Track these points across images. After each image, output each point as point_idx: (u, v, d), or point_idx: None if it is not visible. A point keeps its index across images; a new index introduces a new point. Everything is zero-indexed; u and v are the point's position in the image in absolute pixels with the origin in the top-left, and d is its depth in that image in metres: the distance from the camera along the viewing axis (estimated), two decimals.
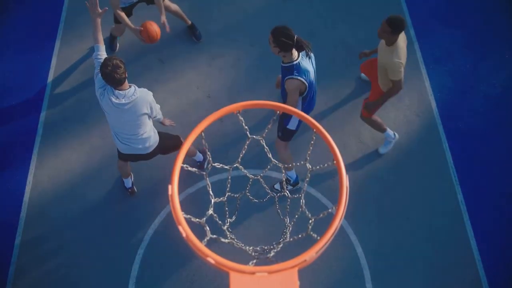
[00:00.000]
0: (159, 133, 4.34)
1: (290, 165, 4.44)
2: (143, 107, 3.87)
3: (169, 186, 2.24)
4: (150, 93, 3.96)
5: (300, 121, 4.27)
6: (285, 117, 4.29)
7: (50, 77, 5.70)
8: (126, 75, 3.71)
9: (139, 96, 3.82)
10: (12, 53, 5.87)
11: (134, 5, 5.22)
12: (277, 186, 4.96)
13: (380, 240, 4.81)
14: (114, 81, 3.63)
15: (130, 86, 3.83)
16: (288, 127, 4.38)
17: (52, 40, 5.98)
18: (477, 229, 4.92)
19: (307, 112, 4.16)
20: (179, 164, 2.35)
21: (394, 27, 4.18)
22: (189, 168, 2.66)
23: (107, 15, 4.29)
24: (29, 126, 5.36)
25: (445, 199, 5.08)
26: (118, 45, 5.92)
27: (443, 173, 5.23)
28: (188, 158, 4.94)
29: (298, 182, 4.97)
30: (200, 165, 5.06)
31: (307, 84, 3.96)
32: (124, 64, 3.66)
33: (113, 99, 3.75)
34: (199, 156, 5.01)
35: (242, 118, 2.65)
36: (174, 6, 5.61)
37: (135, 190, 4.92)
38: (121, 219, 4.84)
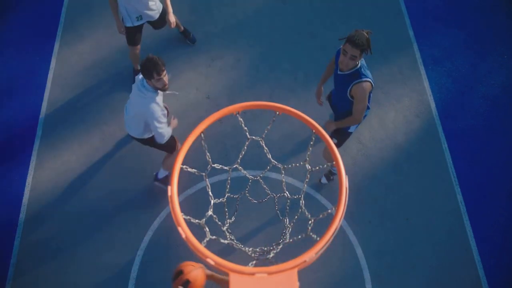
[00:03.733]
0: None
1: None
2: None
3: (169, 188, 2.24)
4: None
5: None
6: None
7: (50, 78, 5.69)
8: None
9: None
10: (11, 54, 5.87)
11: (141, 26, 5.13)
12: (323, 180, 5.00)
13: (379, 241, 4.81)
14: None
15: None
16: (350, 130, 4.37)
17: (51, 41, 5.98)
18: (477, 230, 4.93)
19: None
20: (178, 166, 2.34)
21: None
22: (189, 169, 2.66)
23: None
24: (28, 127, 5.35)
25: (445, 200, 5.08)
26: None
27: (442, 174, 5.23)
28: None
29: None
30: (159, 180, 4.92)
31: (373, 84, 3.91)
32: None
33: None
34: (162, 173, 4.87)
35: (241, 119, 2.65)
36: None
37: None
38: (121, 220, 4.83)
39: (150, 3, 4.93)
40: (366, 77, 3.81)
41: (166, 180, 4.83)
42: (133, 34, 5.12)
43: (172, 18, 5.05)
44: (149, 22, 5.16)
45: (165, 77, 3.77)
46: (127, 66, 5.72)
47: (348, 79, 3.86)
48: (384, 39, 6.14)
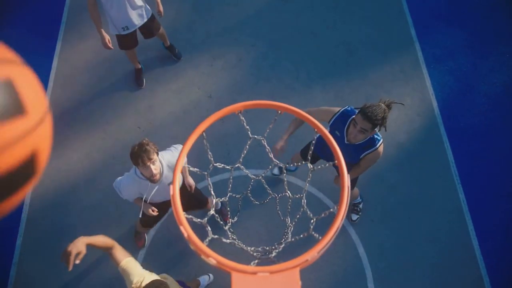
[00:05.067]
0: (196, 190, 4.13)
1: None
2: None
3: (171, 187, 2.23)
4: None
5: None
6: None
7: (52, 77, 5.71)
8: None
9: None
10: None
11: (133, 33, 4.92)
12: (354, 217, 4.88)
13: (381, 240, 4.81)
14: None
15: None
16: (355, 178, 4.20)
17: (53, 40, 5.99)
18: (479, 228, 4.92)
19: None
20: (180, 164, 2.34)
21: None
22: (191, 168, 2.66)
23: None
24: None
25: (447, 199, 5.07)
26: (144, 80, 5.70)
27: (444, 173, 5.22)
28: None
29: (362, 200, 4.93)
30: (220, 212, 4.80)
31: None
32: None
33: None
34: (217, 204, 4.65)
35: (243, 118, 2.65)
36: (161, 29, 5.36)
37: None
38: (122, 219, 4.84)
39: (134, 11, 4.69)
40: (379, 139, 3.50)
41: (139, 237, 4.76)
42: (123, 41, 4.98)
43: (161, 8, 4.98)
44: (139, 29, 4.95)
45: (153, 167, 3.29)
46: (129, 65, 5.72)
47: (358, 149, 3.54)
48: (386, 38, 6.13)
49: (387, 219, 4.93)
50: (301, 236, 2.73)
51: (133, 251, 4.69)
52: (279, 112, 2.70)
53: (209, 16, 6.23)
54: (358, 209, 4.87)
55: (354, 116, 3.42)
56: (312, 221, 2.65)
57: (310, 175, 2.95)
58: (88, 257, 4.64)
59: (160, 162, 3.45)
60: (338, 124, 3.58)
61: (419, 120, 5.54)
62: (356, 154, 3.57)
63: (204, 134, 2.51)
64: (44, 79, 5.68)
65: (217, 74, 5.79)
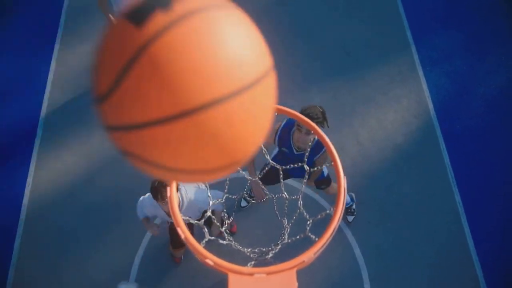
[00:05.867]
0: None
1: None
2: None
3: (168, 189, 2.26)
4: None
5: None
6: (317, 174, 4.03)
7: (50, 80, 5.71)
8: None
9: None
10: (11, 56, 5.89)
11: None
12: (350, 219, 4.88)
13: (378, 241, 4.82)
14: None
15: None
16: (325, 176, 4.21)
17: (51, 42, 6.00)
18: (475, 230, 4.94)
19: None
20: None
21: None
22: None
23: None
24: (28, 128, 5.37)
25: (443, 200, 5.10)
26: None
27: (440, 174, 5.25)
28: None
29: (353, 202, 4.91)
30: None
31: None
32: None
33: None
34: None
35: None
36: None
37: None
38: (121, 220, 4.85)
39: None
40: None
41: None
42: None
43: None
44: None
45: None
46: None
47: (310, 155, 3.34)
48: (383, 40, 6.16)
49: (383, 220, 4.95)
50: (298, 237, 2.76)
51: (128, 256, 4.70)
52: (275, 113, 2.72)
53: None
54: (352, 210, 4.89)
55: (295, 123, 3.44)
56: (308, 222, 2.68)
57: (307, 176, 2.98)
58: (87, 256, 4.66)
59: (181, 196, 3.42)
60: (284, 139, 3.63)
61: (415, 122, 5.57)
62: (309, 159, 3.41)
63: None
64: (42, 81, 5.69)
65: None
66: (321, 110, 3.44)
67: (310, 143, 3.33)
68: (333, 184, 4.40)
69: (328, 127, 3.46)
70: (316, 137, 3.41)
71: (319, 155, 3.60)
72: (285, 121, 3.64)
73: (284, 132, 3.62)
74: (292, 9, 6.38)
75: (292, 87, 5.70)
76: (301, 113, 3.28)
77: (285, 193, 3.38)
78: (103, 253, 4.70)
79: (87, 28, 6.12)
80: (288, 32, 6.16)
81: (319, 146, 3.48)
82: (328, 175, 4.25)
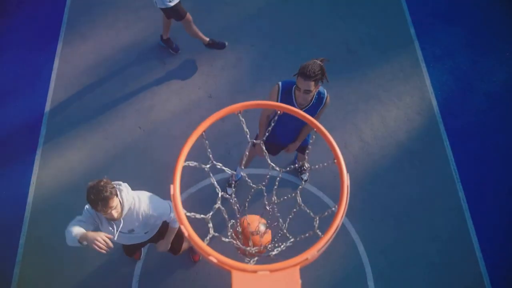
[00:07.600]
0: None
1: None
2: None
3: (171, 186, 2.25)
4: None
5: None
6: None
7: (53, 78, 5.73)
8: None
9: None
10: (14, 55, 5.91)
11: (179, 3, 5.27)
12: (305, 177, 5.04)
13: (381, 238, 4.83)
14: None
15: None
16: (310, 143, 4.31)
17: (54, 41, 6.01)
18: (479, 226, 4.94)
19: None
20: (180, 164, 2.36)
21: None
22: (190, 164, 2.64)
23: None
24: (32, 127, 5.39)
25: (447, 197, 5.09)
26: (177, 46, 5.96)
27: (444, 171, 5.24)
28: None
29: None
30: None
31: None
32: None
33: None
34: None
35: (243, 119, 2.67)
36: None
37: None
38: None
39: None
40: (324, 93, 3.68)
41: None
42: (175, 11, 5.23)
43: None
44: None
45: (114, 211, 3.24)
46: (129, 65, 5.75)
47: (311, 110, 3.71)
48: (386, 37, 6.15)
49: (387, 217, 4.95)
50: (307, 235, 2.76)
51: (130, 260, 4.72)
52: (279, 112, 2.72)
53: (209, 16, 6.25)
54: (305, 168, 4.97)
55: (296, 81, 3.49)
56: (315, 219, 2.67)
57: (308, 173, 2.98)
58: (91, 257, 4.67)
59: (121, 202, 3.36)
60: (286, 99, 3.68)
61: (418, 119, 5.56)
62: (311, 114, 3.64)
63: (204, 134, 2.53)
64: (45, 80, 5.71)
65: (217, 74, 5.81)
66: (320, 64, 3.42)
67: (309, 100, 3.61)
68: (338, 151, 4.50)
69: (328, 81, 3.51)
70: (315, 94, 3.61)
71: (320, 107, 3.74)
72: (284, 81, 3.71)
73: (286, 93, 3.69)
74: (295, 6, 6.37)
75: None
76: (300, 70, 3.40)
77: (278, 195, 3.38)
78: (107, 253, 4.70)
79: (90, 27, 6.14)
80: (291, 30, 6.15)
81: (319, 100, 3.69)
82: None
